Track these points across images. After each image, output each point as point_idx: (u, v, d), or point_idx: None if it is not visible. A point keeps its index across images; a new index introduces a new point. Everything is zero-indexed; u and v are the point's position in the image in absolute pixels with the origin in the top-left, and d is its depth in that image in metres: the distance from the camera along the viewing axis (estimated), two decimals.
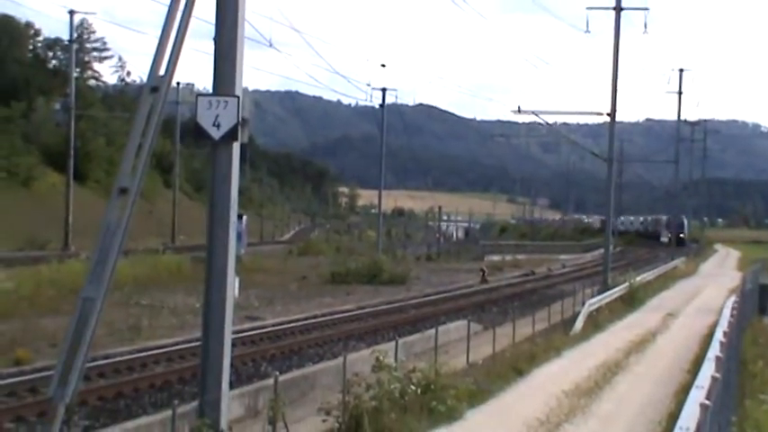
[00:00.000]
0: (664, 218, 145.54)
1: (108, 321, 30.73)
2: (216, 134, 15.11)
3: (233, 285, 15.68)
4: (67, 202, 72.95)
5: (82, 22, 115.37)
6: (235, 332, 21.38)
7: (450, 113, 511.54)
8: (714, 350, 17.45)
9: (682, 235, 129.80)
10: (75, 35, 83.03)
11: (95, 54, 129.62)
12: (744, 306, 35.57)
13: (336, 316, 39.01)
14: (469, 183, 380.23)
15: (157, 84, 14.67)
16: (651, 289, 55.93)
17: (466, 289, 56.38)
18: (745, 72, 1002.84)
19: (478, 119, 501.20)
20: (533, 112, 58.19)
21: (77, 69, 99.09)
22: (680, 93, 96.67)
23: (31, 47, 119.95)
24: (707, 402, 11.44)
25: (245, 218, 49.97)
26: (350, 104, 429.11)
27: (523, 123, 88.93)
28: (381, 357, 19.27)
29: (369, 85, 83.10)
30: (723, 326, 23.54)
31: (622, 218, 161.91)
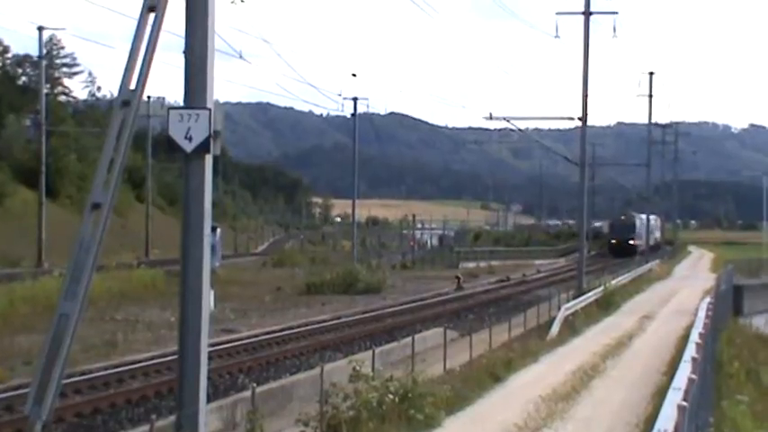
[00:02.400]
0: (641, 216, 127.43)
1: (83, 337, 30.58)
2: (188, 147, 15.08)
3: (208, 298, 15.64)
4: (40, 219, 72.67)
5: (51, 38, 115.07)
6: (211, 345, 21.32)
7: (422, 121, 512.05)
8: (690, 352, 17.54)
9: (632, 241, 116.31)
10: (44, 51, 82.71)
11: (65, 70, 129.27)
12: (719, 307, 35.75)
13: (312, 326, 38.95)
14: (443, 190, 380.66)
15: (128, 98, 14.64)
16: (626, 292, 56.04)
17: (442, 296, 56.42)
18: (714, 74, 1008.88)
19: (450, 126, 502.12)
20: (505, 118, 58.37)
21: (47, 85, 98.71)
22: (650, 96, 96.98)
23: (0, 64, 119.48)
24: (684, 404, 11.49)
25: (218, 230, 49.90)
26: (321, 114, 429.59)
27: (495, 129, 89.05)
28: (358, 367, 19.28)
29: (340, 94, 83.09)
30: (698, 327, 23.65)
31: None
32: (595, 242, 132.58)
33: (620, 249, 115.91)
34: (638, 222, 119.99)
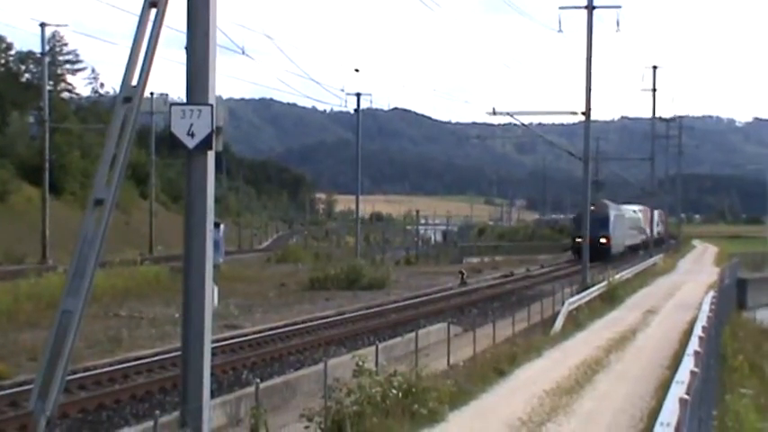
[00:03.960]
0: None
1: (87, 333, 30.67)
2: (190, 143, 15.09)
3: (211, 294, 15.66)
4: (44, 216, 72.77)
5: (54, 35, 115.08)
6: (215, 341, 21.34)
7: (425, 117, 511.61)
8: (693, 345, 17.54)
9: (604, 240, 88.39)
10: (47, 48, 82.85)
11: (68, 66, 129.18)
12: (722, 301, 35.76)
13: (316, 322, 38.95)
14: (446, 185, 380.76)
15: (130, 94, 14.66)
16: (630, 287, 56.05)
17: (445, 292, 56.38)
18: (718, 67, 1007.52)
19: (454, 121, 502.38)
20: (508, 113, 58.43)
21: (50, 82, 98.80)
22: (654, 90, 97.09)
23: (2, 61, 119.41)
24: (686, 397, 11.50)
25: (222, 226, 49.91)
26: (324, 110, 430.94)
27: (499, 125, 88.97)
28: (362, 362, 19.30)
29: (342, 90, 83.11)
30: (702, 321, 23.66)
31: None
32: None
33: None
34: (612, 214, 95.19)
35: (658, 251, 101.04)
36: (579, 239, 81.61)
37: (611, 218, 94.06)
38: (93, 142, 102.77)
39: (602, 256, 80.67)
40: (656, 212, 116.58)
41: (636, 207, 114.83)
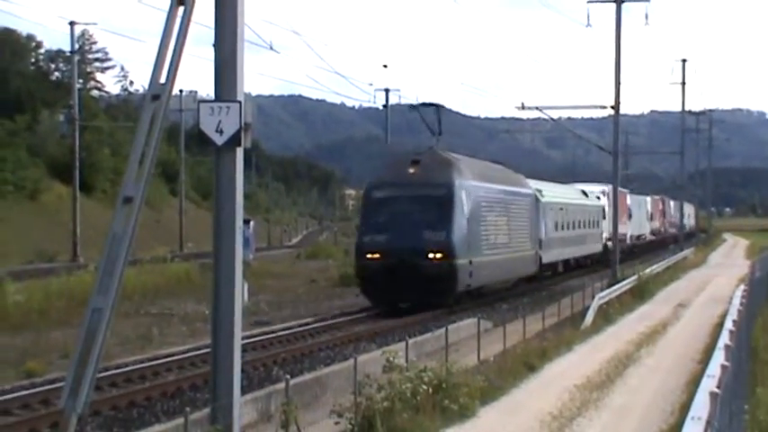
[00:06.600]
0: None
1: (118, 331, 30.77)
2: (219, 140, 15.15)
3: (241, 291, 15.70)
4: (74, 214, 73.07)
5: (83, 33, 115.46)
6: (245, 337, 21.37)
7: (454, 112, 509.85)
8: (724, 339, 17.45)
9: (436, 255, 38.83)
10: (76, 46, 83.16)
11: (97, 65, 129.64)
12: (753, 294, 35.54)
13: (346, 318, 38.93)
14: None
15: (158, 92, 14.72)
16: (660, 281, 55.84)
17: None
18: (749, 60, 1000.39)
19: (482, 116, 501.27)
20: (537, 108, 58.28)
21: (80, 80, 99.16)
22: (683, 83, 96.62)
23: (33, 59, 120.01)
24: (717, 391, 11.45)
25: (252, 223, 49.96)
26: (353, 106, 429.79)
27: (528, 119, 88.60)
28: (392, 358, 19.31)
29: (371, 85, 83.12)
30: (733, 314, 23.53)
31: None
32: None
33: (388, 282, 38.95)
34: (460, 187, 41.14)
35: (689, 245, 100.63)
36: (372, 256, 39.84)
37: (460, 194, 41.13)
38: (123, 140, 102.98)
39: (434, 293, 39.58)
40: (687, 206, 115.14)
41: (597, 187, 76.49)
